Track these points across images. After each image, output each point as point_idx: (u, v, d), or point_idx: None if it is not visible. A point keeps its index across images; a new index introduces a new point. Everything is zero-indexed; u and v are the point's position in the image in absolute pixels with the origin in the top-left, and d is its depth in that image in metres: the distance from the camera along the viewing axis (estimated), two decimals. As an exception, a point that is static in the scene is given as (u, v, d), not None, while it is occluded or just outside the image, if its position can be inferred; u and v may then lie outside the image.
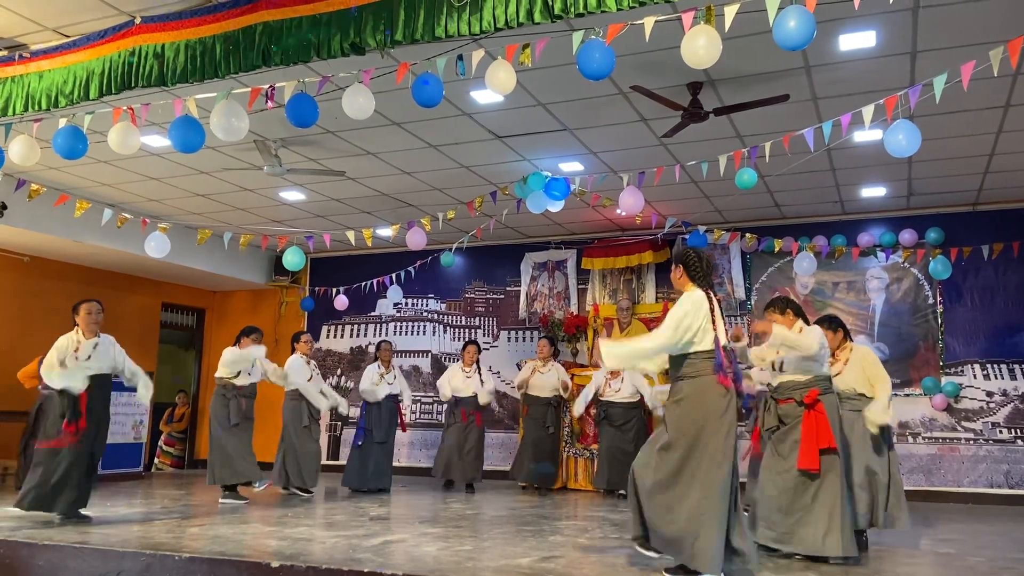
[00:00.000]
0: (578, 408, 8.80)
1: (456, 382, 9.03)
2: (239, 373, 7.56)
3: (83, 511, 5.97)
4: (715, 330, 4.11)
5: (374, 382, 8.63)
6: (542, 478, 8.85)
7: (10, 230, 8.64)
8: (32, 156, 5.59)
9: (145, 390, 6.32)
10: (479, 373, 9.09)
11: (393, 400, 8.81)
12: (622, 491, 8.43)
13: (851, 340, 5.58)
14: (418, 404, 11.11)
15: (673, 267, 4.39)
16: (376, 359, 8.90)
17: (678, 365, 4.18)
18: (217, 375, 7.65)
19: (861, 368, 5.34)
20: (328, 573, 4.12)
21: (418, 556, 4.62)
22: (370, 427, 8.59)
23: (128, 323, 11.06)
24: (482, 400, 8.99)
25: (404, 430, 9.11)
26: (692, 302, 4.15)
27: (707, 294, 4.20)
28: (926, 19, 5.01)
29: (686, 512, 3.96)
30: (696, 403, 4.07)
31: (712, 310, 4.16)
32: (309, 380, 8.25)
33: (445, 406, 9.22)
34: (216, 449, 7.44)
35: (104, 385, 6.16)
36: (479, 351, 9.29)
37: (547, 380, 8.94)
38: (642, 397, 8.55)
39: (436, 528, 5.82)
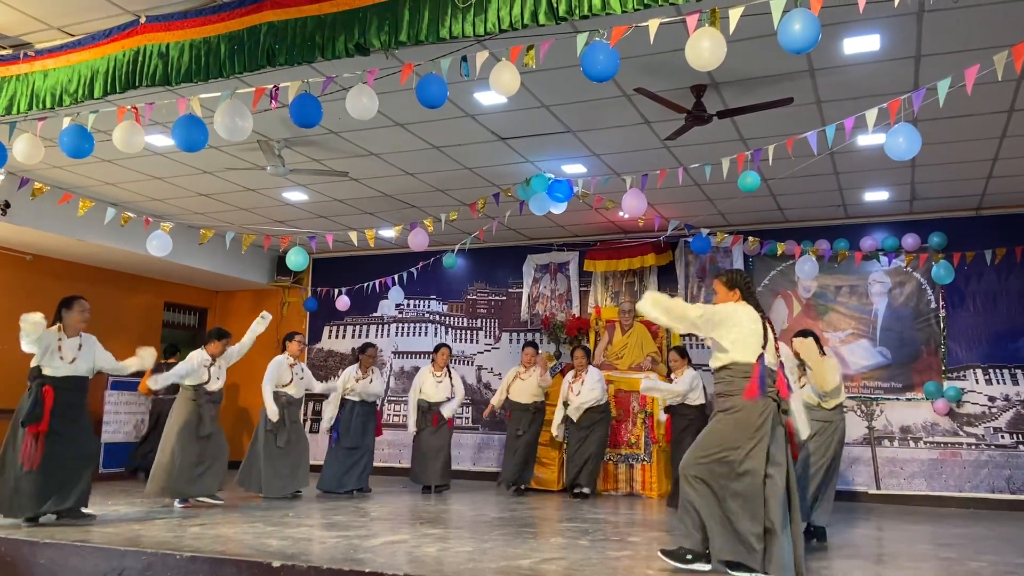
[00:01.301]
0: (555, 426, 8.82)
1: (427, 387, 8.91)
2: (209, 378, 7.23)
3: (85, 509, 5.89)
4: (763, 349, 4.31)
5: (348, 387, 8.58)
6: (514, 479, 8.84)
7: (13, 228, 8.65)
8: (36, 155, 5.60)
9: (138, 360, 6.14)
10: (450, 376, 8.99)
11: (370, 405, 8.75)
12: (584, 490, 8.49)
13: (823, 353, 5.84)
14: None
15: (726, 289, 4.51)
16: (357, 361, 8.81)
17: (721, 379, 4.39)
18: (193, 379, 7.20)
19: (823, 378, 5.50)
20: (329, 573, 4.12)
21: (419, 557, 4.62)
22: (339, 430, 8.53)
23: (130, 322, 11.08)
24: (447, 413, 8.84)
25: (380, 433, 8.95)
26: (734, 309, 4.38)
27: (761, 316, 4.41)
28: (930, 23, 5.01)
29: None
30: (733, 417, 4.28)
31: (765, 330, 4.35)
32: (288, 384, 7.98)
33: (412, 409, 8.95)
34: (171, 458, 6.99)
35: (79, 388, 5.92)
36: (451, 353, 9.28)
37: (528, 386, 8.92)
38: (607, 401, 8.75)
39: (437, 529, 5.82)
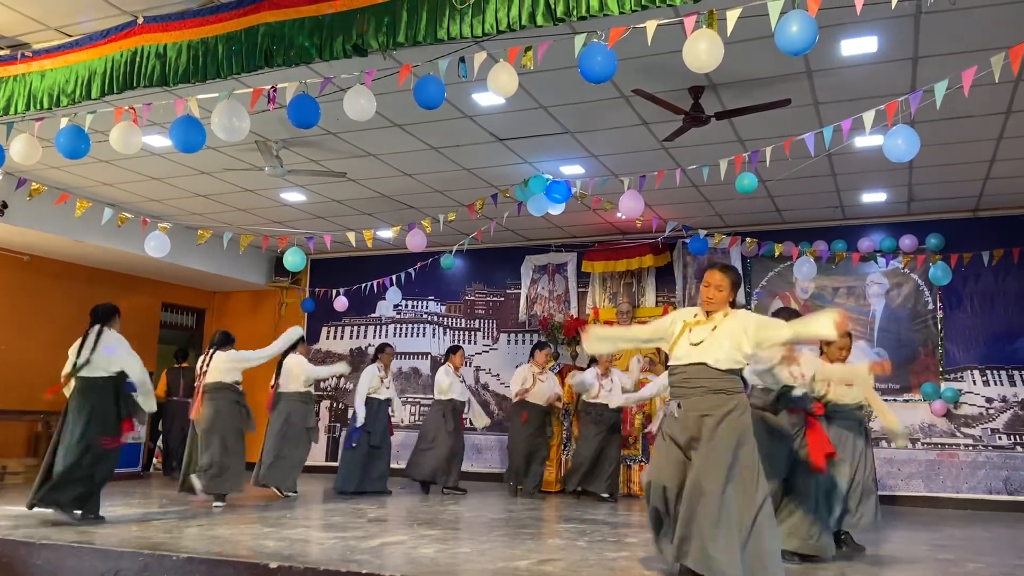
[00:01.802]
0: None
1: (456, 388, 8.97)
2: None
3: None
4: None
5: (372, 386, 8.63)
6: (538, 482, 8.85)
7: (10, 229, 8.64)
8: (33, 155, 5.59)
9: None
10: (461, 378, 9.22)
11: (388, 404, 8.82)
12: (604, 495, 8.45)
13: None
14: (416, 406, 11.10)
15: (732, 293, 4.25)
16: (376, 360, 8.87)
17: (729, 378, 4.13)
18: (232, 380, 7.30)
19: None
20: (326, 574, 4.12)
21: (416, 558, 4.61)
22: (368, 429, 8.55)
23: (128, 323, 10.90)
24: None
25: (392, 433, 9.00)
26: None
27: None
28: (928, 25, 5.02)
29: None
30: (748, 418, 4.13)
31: None
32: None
33: (433, 408, 9.00)
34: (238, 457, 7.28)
35: None
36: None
37: (546, 388, 8.90)
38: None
39: (434, 530, 5.82)
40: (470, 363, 10.91)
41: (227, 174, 8.23)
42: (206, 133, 5.23)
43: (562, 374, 9.62)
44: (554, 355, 10.25)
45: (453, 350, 9.21)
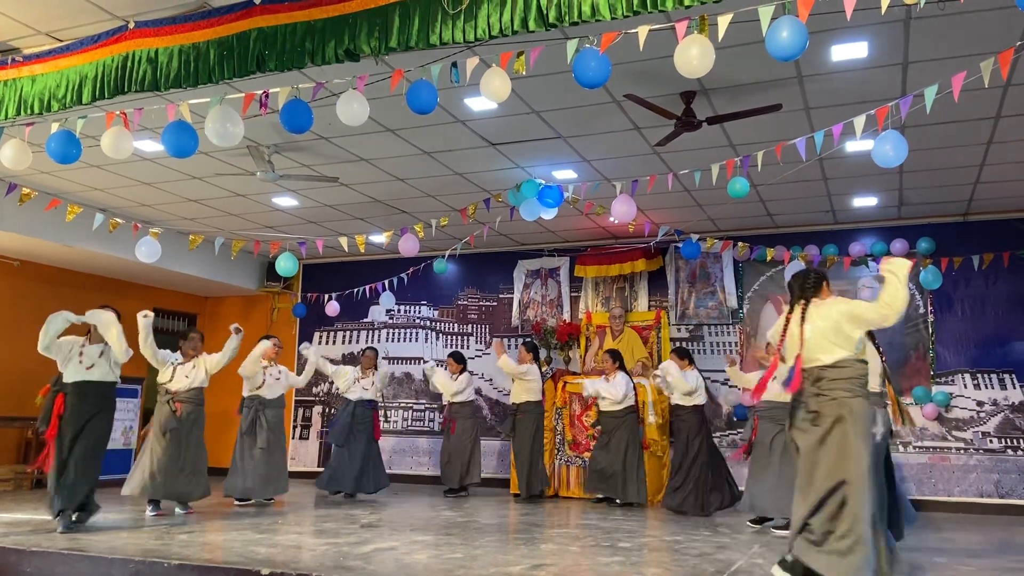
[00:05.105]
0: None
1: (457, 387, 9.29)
2: (172, 377, 7.56)
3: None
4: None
5: (348, 384, 8.86)
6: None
7: (1, 234, 8.60)
8: (24, 160, 5.56)
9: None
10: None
11: (368, 407, 8.88)
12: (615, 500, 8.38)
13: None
14: (409, 411, 11.09)
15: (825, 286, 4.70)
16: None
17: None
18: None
19: None
20: (318, 580, 4.11)
21: (408, 564, 4.60)
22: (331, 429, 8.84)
23: (119, 328, 11.01)
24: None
25: (378, 438, 8.98)
26: None
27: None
28: (918, 30, 5.05)
29: None
30: None
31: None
32: (260, 386, 8.28)
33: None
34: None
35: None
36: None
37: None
38: (634, 404, 8.54)
39: (427, 536, 5.80)
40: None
41: (219, 179, 8.21)
42: (198, 138, 5.22)
43: (555, 379, 9.61)
44: (547, 360, 10.27)
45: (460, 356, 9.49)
